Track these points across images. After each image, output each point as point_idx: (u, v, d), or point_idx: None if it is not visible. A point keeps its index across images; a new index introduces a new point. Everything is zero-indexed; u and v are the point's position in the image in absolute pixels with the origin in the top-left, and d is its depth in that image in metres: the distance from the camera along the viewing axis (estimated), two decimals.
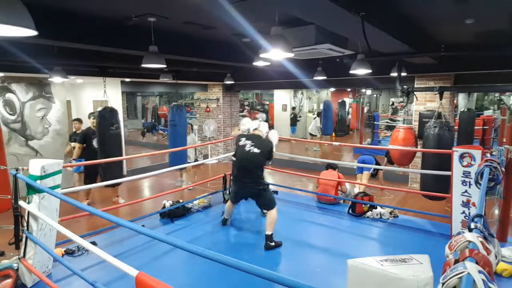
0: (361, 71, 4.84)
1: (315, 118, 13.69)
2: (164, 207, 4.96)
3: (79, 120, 6.73)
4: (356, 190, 6.12)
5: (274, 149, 4.14)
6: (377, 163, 6.54)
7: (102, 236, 4.25)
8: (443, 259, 1.36)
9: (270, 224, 3.87)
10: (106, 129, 5.47)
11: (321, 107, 14.56)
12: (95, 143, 6.08)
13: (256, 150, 3.89)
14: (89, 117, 6.26)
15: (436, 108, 5.21)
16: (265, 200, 4.05)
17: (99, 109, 5.58)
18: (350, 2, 2.81)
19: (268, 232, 3.84)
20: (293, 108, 15.32)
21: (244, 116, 13.93)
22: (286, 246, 4.09)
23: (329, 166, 5.71)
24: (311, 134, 13.30)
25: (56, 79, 5.71)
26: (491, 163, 2.64)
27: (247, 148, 3.93)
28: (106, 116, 5.46)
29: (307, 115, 15.72)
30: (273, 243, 3.84)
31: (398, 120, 13.45)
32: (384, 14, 3.50)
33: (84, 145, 6.08)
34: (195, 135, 9.68)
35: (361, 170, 6.62)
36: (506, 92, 13.70)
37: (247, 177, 3.94)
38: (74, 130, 6.69)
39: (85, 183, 6.14)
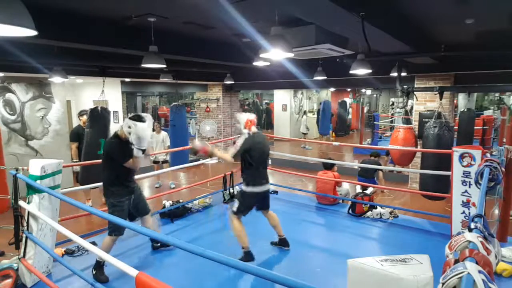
0: (361, 71, 4.84)
1: (302, 117, 13.81)
2: (164, 207, 4.97)
3: None
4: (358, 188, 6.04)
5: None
6: (378, 164, 6.45)
7: (102, 236, 4.25)
8: (443, 259, 1.37)
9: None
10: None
11: (306, 107, 14.84)
12: None
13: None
14: (81, 115, 6.10)
15: (436, 108, 5.20)
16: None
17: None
18: (350, 2, 2.82)
19: (99, 259, 3.19)
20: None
21: None
22: None
23: (324, 167, 5.66)
24: (303, 133, 13.47)
25: (56, 79, 5.69)
26: (491, 163, 2.65)
27: None
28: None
29: (307, 114, 15.77)
30: (96, 273, 3.22)
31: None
32: (384, 14, 3.50)
33: (77, 143, 5.93)
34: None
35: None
36: (506, 92, 13.70)
37: None
38: None
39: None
